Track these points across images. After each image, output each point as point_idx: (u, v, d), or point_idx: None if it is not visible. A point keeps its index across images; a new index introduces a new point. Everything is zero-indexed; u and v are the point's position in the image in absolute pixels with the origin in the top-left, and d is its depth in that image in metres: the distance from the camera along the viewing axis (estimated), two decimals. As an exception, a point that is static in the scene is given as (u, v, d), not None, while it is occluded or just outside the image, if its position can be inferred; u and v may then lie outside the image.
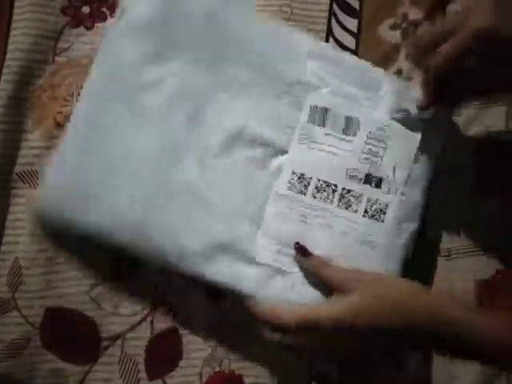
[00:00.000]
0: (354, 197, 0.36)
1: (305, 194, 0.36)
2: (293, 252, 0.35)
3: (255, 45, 0.38)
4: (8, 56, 0.38)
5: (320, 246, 0.36)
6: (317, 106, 0.37)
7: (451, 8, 0.44)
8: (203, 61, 0.37)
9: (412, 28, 0.43)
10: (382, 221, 0.36)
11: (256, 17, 0.40)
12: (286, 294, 0.35)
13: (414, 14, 0.44)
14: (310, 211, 0.36)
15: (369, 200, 0.36)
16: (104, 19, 0.41)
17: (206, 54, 0.37)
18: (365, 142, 0.37)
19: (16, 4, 0.39)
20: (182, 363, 0.38)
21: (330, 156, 0.37)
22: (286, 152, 0.37)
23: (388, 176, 0.37)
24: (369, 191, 0.37)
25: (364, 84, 0.38)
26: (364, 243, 0.36)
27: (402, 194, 0.37)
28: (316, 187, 0.36)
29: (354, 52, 0.43)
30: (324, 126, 0.37)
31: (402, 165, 0.37)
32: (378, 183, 0.37)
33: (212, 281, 0.35)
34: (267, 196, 0.36)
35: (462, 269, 0.40)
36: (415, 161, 0.37)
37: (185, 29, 0.37)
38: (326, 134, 0.37)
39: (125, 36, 0.36)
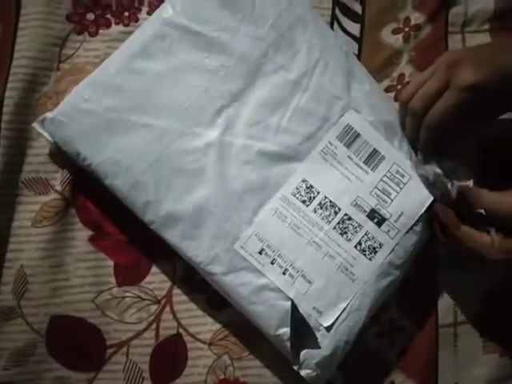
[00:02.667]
0: (352, 226, 0.36)
1: (307, 206, 0.36)
2: (275, 257, 0.35)
3: (313, 48, 0.38)
4: (14, 63, 0.39)
5: (303, 260, 0.35)
6: (351, 127, 0.37)
7: (454, 11, 0.44)
8: (262, 45, 0.37)
9: (414, 33, 0.44)
10: (370, 259, 0.36)
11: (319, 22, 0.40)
12: (250, 293, 0.35)
13: (416, 18, 0.44)
14: (306, 224, 0.36)
15: (366, 234, 0.36)
16: (108, 26, 0.41)
17: (266, 41, 0.37)
18: (381, 179, 0.37)
19: (22, 12, 0.40)
20: (186, 371, 0.38)
21: (343, 178, 0.37)
22: (304, 158, 0.37)
23: (391, 219, 0.37)
24: (368, 226, 0.36)
25: (393, 128, 0.38)
26: (346, 273, 0.36)
27: (398, 241, 0.37)
28: (320, 203, 0.36)
29: (357, 57, 0.43)
30: (349, 148, 0.37)
31: (408, 215, 0.37)
32: (380, 222, 0.37)
33: (189, 256, 0.35)
34: (271, 193, 0.36)
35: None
36: (420, 218, 0.37)
37: (258, 8, 0.38)
38: (348, 157, 0.37)
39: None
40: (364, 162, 0.37)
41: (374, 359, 0.39)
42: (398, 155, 0.38)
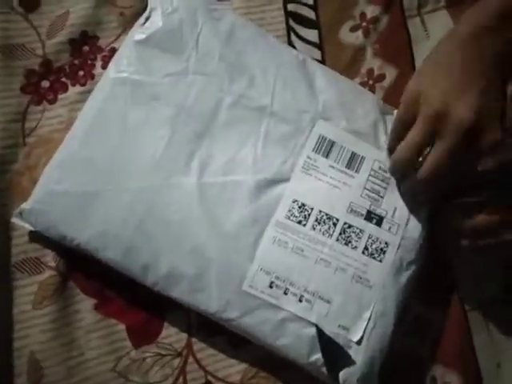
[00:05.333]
0: (354, 233, 0.35)
1: (304, 225, 0.35)
2: (287, 286, 0.34)
3: (268, 67, 0.37)
4: (-20, 150, 0.37)
5: (316, 280, 0.34)
6: (325, 137, 0.37)
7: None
8: (216, 79, 0.37)
9: (373, 26, 0.43)
10: (380, 261, 0.35)
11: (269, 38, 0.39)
12: (273, 330, 0.34)
13: (372, 10, 0.44)
14: (308, 243, 0.35)
15: (369, 237, 0.36)
16: (65, 89, 0.40)
17: (219, 74, 0.37)
18: (367, 179, 0.37)
19: (-25, 96, 0.39)
20: (223, 416, 0.36)
21: (332, 188, 0.36)
22: (289, 178, 0.36)
23: (388, 215, 0.36)
24: (370, 228, 0.36)
25: (371, 123, 0.38)
26: (361, 282, 0.35)
27: (402, 235, 0.36)
28: (316, 219, 0.35)
29: (321, 63, 0.42)
30: (327, 157, 0.37)
31: (402, 206, 0.37)
32: (379, 221, 0.36)
33: (201, 309, 0.34)
34: (266, 223, 0.35)
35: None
36: (414, 206, 0.37)
37: (202, 43, 0.37)
38: (330, 166, 0.37)
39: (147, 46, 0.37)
40: (346, 167, 0.37)
41: (408, 359, 0.38)
42: (376, 152, 0.37)
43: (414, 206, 0.37)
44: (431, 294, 0.39)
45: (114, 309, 0.37)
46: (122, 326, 0.37)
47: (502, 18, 0.31)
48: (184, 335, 0.37)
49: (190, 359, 0.37)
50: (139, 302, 0.37)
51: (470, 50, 0.32)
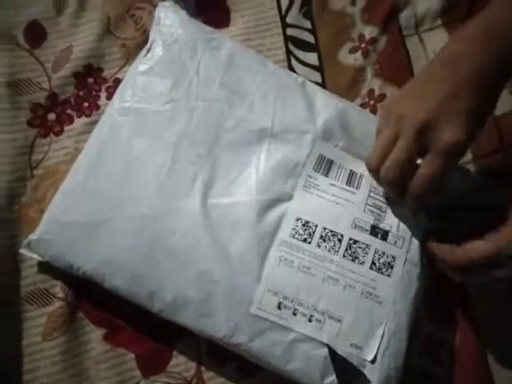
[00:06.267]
0: (360, 248, 0.35)
1: (310, 243, 0.35)
2: (295, 306, 0.34)
3: (268, 92, 0.38)
4: (-12, 183, 0.38)
5: (325, 299, 0.34)
6: (324, 157, 0.37)
7: (404, 15, 0.45)
8: (217, 104, 0.37)
9: (372, 47, 0.44)
10: (389, 275, 0.35)
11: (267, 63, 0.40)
12: (283, 352, 0.33)
13: (370, 31, 0.44)
14: (315, 261, 0.35)
15: (376, 252, 0.35)
16: (71, 121, 0.40)
17: (220, 99, 0.37)
18: (368, 195, 0.37)
19: (-17, 132, 0.39)
20: None
21: (334, 205, 0.36)
22: (291, 197, 0.36)
23: (393, 229, 0.36)
24: (376, 243, 0.35)
25: (370, 143, 0.37)
26: (371, 298, 0.34)
27: (408, 248, 0.36)
28: (321, 236, 0.35)
29: (322, 85, 0.43)
30: (327, 176, 0.37)
31: (405, 220, 0.36)
32: (385, 236, 0.36)
33: (209, 334, 0.34)
34: (271, 243, 0.35)
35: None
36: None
37: (202, 71, 0.38)
38: (331, 184, 0.37)
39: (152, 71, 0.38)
40: (347, 184, 0.37)
41: (423, 380, 0.37)
42: None
43: (415, 220, 0.36)
44: (445, 314, 0.38)
45: (123, 338, 0.37)
46: (131, 356, 0.37)
47: (485, 37, 0.31)
48: (193, 364, 0.37)
49: (200, 388, 0.36)
50: (148, 331, 0.37)
51: (450, 70, 0.31)
